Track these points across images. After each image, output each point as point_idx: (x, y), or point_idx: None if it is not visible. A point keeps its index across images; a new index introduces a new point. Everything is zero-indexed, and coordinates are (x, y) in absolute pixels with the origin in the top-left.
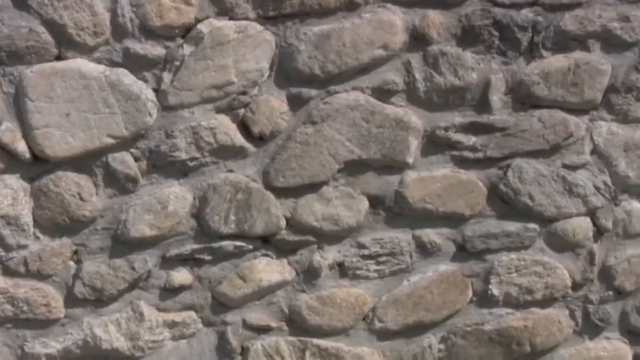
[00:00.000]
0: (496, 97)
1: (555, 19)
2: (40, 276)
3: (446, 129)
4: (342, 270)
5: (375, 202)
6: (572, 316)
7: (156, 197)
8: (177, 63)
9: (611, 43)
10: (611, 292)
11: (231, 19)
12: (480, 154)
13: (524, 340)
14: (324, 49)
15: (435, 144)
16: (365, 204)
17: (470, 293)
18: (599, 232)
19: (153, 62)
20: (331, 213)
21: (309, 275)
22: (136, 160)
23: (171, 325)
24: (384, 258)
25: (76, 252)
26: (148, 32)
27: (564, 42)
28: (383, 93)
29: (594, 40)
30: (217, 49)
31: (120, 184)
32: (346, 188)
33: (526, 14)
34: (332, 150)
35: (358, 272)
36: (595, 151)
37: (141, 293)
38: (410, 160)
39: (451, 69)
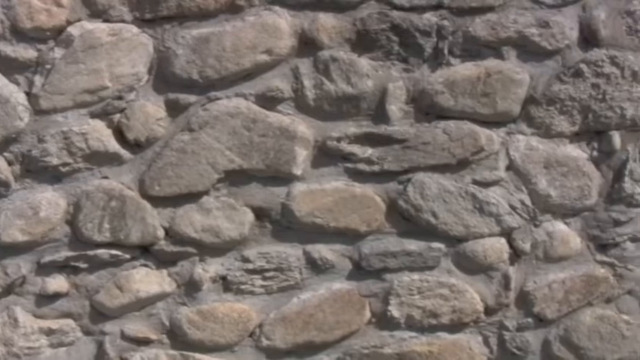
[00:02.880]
0: (395, 107)
1: (464, 24)
2: None
3: (338, 139)
4: (225, 284)
5: (261, 214)
6: (486, 342)
7: (28, 202)
8: (48, 66)
9: (528, 50)
10: (530, 319)
11: (105, 21)
12: (376, 167)
13: None
14: (202, 53)
15: (327, 155)
16: (249, 216)
17: (367, 314)
18: (516, 254)
19: (24, 65)
20: (212, 224)
21: (191, 288)
22: (10, 164)
23: (48, 332)
24: (270, 273)
25: None
26: (19, 34)
27: (475, 49)
28: (267, 100)
29: (509, 47)
30: (89, 53)
31: None
32: (228, 199)
33: (429, 18)
34: (210, 159)
35: (243, 287)
36: (511, 167)
37: (17, 299)
38: (297, 171)
39: (343, 76)
